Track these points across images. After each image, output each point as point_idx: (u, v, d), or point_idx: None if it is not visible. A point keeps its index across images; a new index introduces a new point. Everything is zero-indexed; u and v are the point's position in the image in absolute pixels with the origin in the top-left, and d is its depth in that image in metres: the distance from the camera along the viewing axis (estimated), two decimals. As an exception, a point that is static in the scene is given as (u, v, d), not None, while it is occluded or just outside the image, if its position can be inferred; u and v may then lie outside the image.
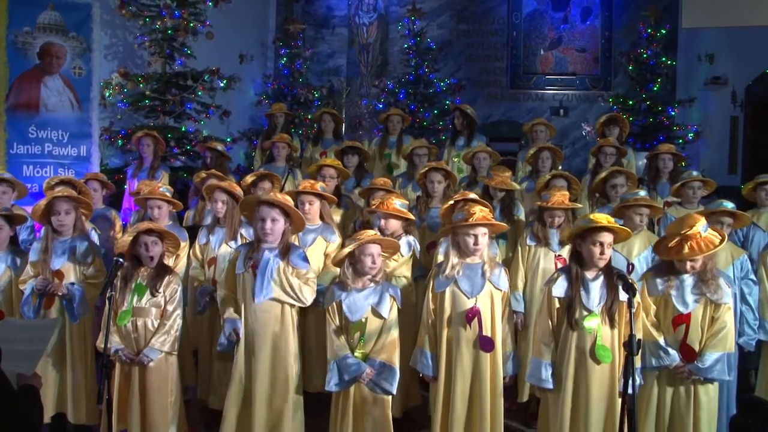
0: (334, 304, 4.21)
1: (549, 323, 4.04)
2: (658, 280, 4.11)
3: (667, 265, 4.14)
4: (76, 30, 7.75)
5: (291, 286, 4.28)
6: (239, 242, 5.05)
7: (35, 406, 2.63)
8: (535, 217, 5.29)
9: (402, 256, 4.96)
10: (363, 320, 4.15)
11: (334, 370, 4.13)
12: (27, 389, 2.63)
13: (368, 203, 5.53)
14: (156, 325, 4.34)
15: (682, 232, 3.97)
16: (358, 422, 4.19)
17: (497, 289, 4.22)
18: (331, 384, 4.14)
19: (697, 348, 4.00)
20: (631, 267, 4.86)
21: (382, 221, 4.96)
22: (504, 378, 4.23)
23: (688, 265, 4.00)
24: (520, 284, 5.16)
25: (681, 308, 4.02)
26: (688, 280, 4.04)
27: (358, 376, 4.09)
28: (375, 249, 4.15)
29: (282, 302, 4.33)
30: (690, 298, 4.02)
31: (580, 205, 5.64)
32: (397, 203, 4.98)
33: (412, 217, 5.06)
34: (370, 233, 4.24)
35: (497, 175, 5.77)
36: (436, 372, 4.22)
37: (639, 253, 4.90)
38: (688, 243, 3.95)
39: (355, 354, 4.15)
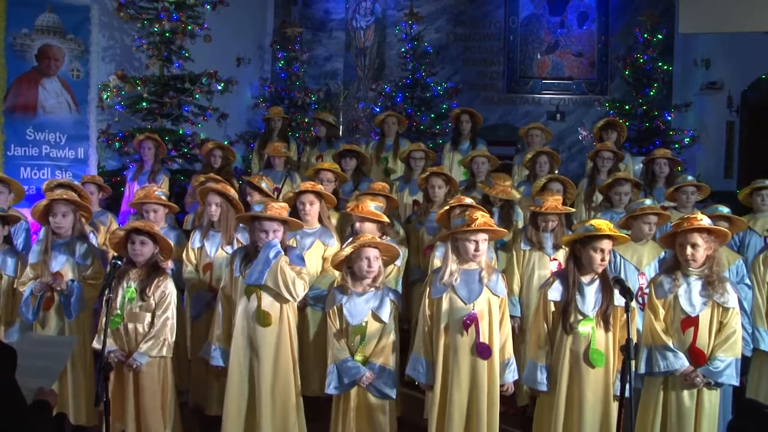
0: (335, 307, 4.22)
1: (544, 327, 4.07)
2: (665, 280, 4.13)
3: (673, 265, 4.16)
4: (74, 32, 7.74)
5: (285, 279, 4.26)
6: (236, 247, 5.03)
7: (47, 421, 2.64)
8: (529, 221, 5.30)
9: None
10: (363, 324, 4.17)
11: (334, 374, 4.15)
12: (41, 404, 2.65)
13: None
14: (147, 329, 4.35)
15: (685, 216, 4.10)
16: (360, 425, 4.19)
17: (495, 295, 4.19)
18: (331, 387, 4.16)
19: (706, 351, 4.02)
20: (641, 276, 4.87)
21: (358, 224, 4.94)
22: (501, 386, 4.17)
23: (689, 251, 4.01)
24: (516, 288, 5.18)
25: (689, 310, 4.03)
26: (695, 282, 4.06)
27: (357, 380, 4.11)
28: (371, 252, 4.16)
29: (279, 301, 4.35)
30: (698, 300, 4.03)
31: (573, 210, 5.64)
32: (372, 206, 4.93)
33: (386, 219, 5.02)
34: (368, 237, 4.25)
35: (498, 184, 5.76)
36: (432, 380, 4.19)
37: (648, 263, 4.92)
38: (688, 221, 4.02)
39: (355, 357, 4.16)
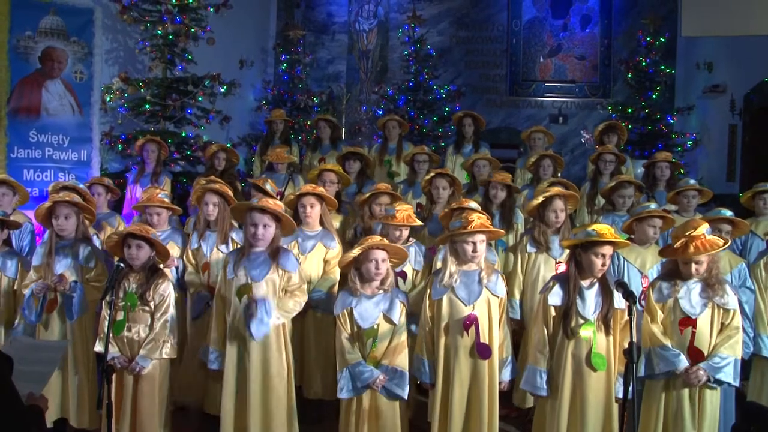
0: (345, 311, 4.20)
1: (544, 331, 4.06)
2: (664, 285, 4.12)
3: (673, 271, 4.15)
4: (77, 35, 7.78)
5: (287, 318, 4.35)
6: (230, 246, 5.04)
7: (39, 427, 2.64)
8: (536, 220, 5.24)
9: (415, 269, 5.03)
10: (375, 327, 4.16)
11: (347, 378, 4.13)
12: (33, 409, 2.65)
13: (370, 210, 5.53)
14: (148, 332, 4.35)
15: (687, 233, 4.00)
16: (372, 428, 4.18)
17: (494, 295, 4.21)
18: (344, 391, 4.13)
19: (705, 352, 4.00)
20: (645, 279, 4.87)
21: (403, 231, 4.95)
22: (500, 383, 4.22)
23: (693, 267, 4.00)
24: (517, 292, 5.16)
25: (690, 312, 4.02)
26: (695, 285, 4.05)
27: (370, 383, 4.09)
28: (380, 255, 4.15)
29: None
30: (698, 302, 4.03)
31: (576, 194, 5.60)
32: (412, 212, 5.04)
33: (420, 222, 5.13)
34: (377, 239, 4.24)
35: (498, 174, 5.81)
36: (434, 379, 4.22)
37: (652, 266, 4.88)
38: (693, 243, 3.97)
39: (367, 361, 4.14)
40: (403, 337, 4.21)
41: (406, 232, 4.95)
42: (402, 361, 4.16)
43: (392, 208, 4.98)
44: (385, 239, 4.31)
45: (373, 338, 4.16)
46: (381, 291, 4.22)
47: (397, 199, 5.75)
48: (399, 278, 4.82)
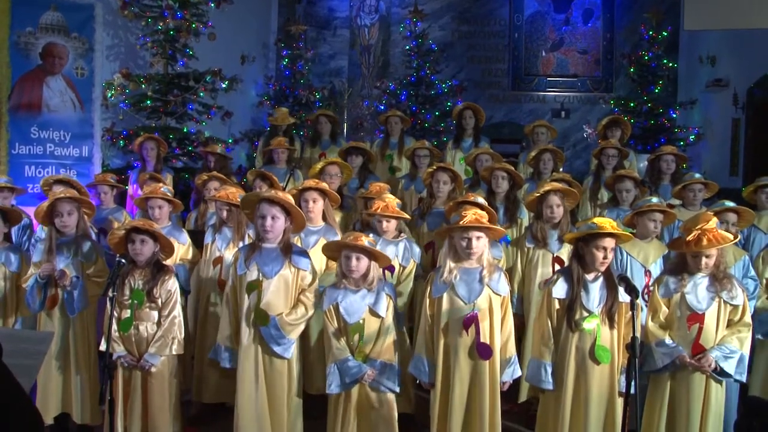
0: (331, 306, 4.16)
1: (549, 324, 4.04)
2: (671, 280, 4.11)
3: (680, 265, 4.13)
4: (78, 31, 7.76)
5: (291, 327, 4.28)
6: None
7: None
8: (534, 215, 5.25)
9: (401, 265, 5.03)
10: (361, 322, 4.11)
11: (335, 373, 4.09)
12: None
13: (366, 206, 5.53)
14: (156, 329, 4.34)
15: (699, 226, 3.98)
16: (362, 423, 4.16)
17: (496, 294, 4.11)
18: (333, 387, 4.10)
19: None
20: (647, 274, 4.86)
21: (384, 223, 4.97)
22: (502, 384, 4.13)
23: (703, 261, 3.99)
24: (517, 286, 5.17)
25: (696, 307, 4.01)
26: (702, 280, 4.04)
27: (359, 378, 4.07)
28: (352, 252, 4.12)
29: (281, 300, 4.31)
30: (704, 297, 4.01)
31: (575, 191, 5.57)
32: (395, 204, 5.05)
33: (407, 216, 5.11)
34: (354, 235, 4.18)
35: (500, 162, 5.85)
36: (433, 378, 4.14)
37: (654, 260, 4.89)
38: (705, 236, 3.95)
39: (356, 356, 4.12)
40: (392, 333, 4.17)
41: (390, 224, 4.97)
42: (391, 355, 4.14)
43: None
44: (365, 236, 4.23)
45: (360, 333, 4.12)
46: (365, 288, 4.16)
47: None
48: (386, 271, 4.81)
